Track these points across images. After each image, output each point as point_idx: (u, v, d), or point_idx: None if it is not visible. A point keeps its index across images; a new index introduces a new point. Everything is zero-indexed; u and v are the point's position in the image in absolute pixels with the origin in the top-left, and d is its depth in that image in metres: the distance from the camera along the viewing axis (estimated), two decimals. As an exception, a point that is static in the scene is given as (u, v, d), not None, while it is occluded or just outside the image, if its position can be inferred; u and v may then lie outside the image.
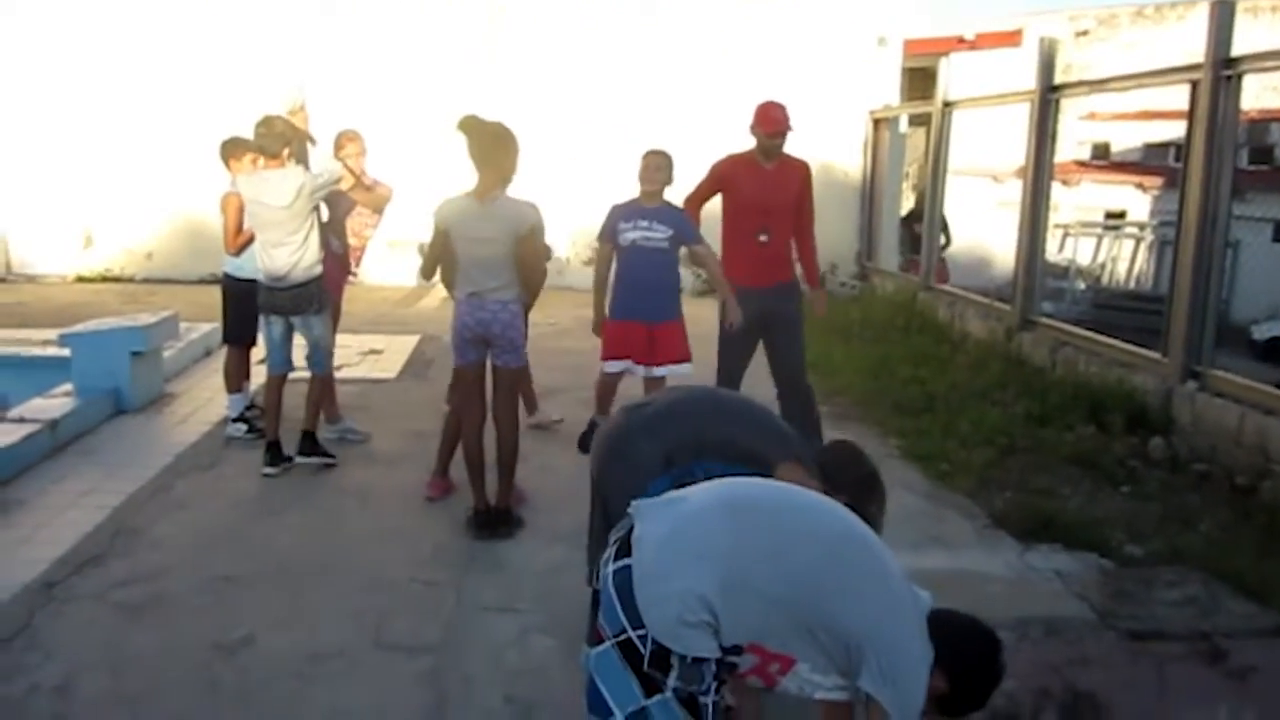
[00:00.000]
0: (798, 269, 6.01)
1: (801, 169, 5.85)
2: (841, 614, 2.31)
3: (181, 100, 12.10)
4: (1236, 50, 6.23)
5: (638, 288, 5.69)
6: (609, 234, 5.73)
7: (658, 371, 5.73)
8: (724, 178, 5.77)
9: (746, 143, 5.75)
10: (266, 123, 5.63)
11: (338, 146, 6.16)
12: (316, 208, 5.69)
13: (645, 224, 5.62)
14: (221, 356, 6.62)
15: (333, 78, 11.94)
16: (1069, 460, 6.03)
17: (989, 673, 2.49)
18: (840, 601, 2.32)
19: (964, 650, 2.44)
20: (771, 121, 5.61)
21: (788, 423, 4.95)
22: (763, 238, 5.66)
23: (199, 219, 11.41)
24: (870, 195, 13.01)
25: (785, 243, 5.81)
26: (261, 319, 5.81)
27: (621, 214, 5.69)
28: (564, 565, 4.39)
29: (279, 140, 5.59)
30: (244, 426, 6.22)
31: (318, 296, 5.72)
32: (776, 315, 5.73)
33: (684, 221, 5.66)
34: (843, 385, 7.68)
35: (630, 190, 5.76)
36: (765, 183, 5.67)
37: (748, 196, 5.68)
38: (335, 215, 6.07)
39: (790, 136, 5.64)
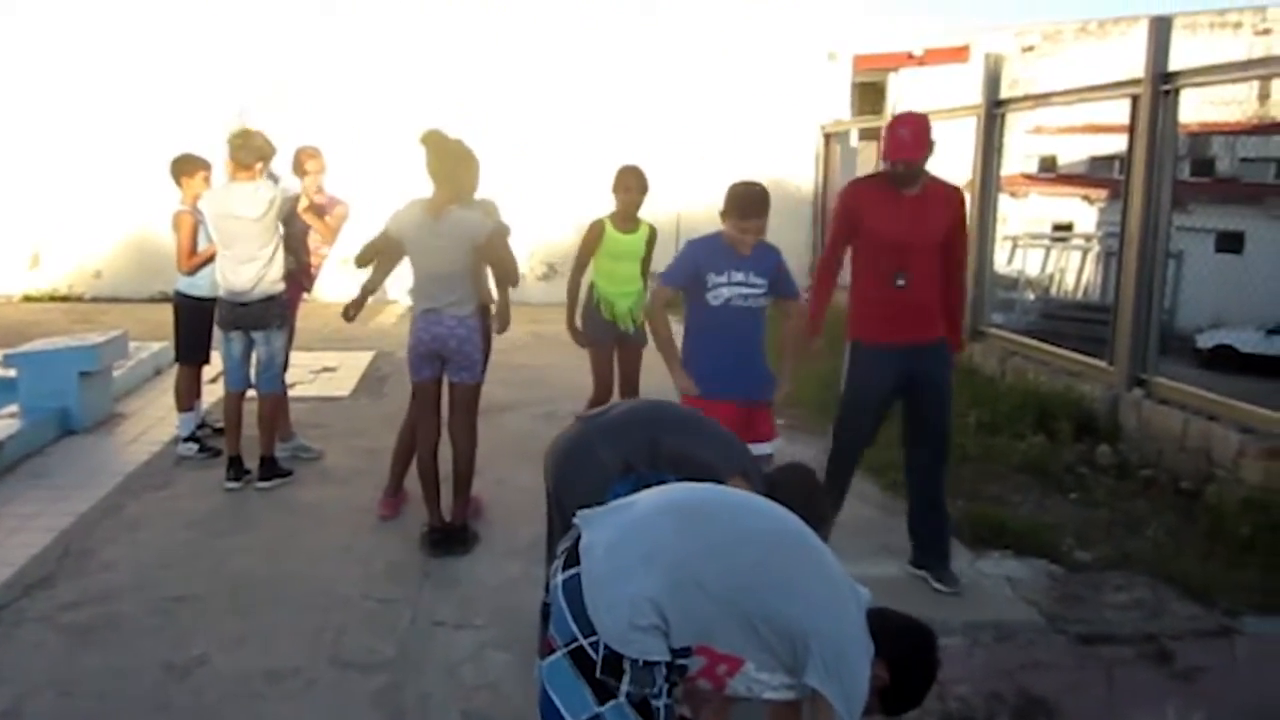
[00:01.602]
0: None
1: (952, 197, 4.63)
2: (785, 610, 2.36)
3: (129, 118, 11.99)
4: (1174, 65, 6.39)
5: (729, 358, 4.44)
6: (683, 279, 4.46)
7: (755, 450, 3.96)
8: (851, 209, 4.57)
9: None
10: (244, 134, 5.59)
11: (298, 164, 6.12)
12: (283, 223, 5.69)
13: (742, 276, 4.39)
14: (172, 375, 6.55)
15: (323, 80, 11.99)
16: (1019, 468, 6.12)
17: (926, 664, 2.58)
18: (784, 597, 2.37)
19: (901, 643, 2.53)
20: (897, 146, 4.39)
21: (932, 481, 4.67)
22: (900, 281, 4.43)
23: (148, 236, 11.30)
24: (822, 209, 13.12)
25: (931, 289, 4.51)
26: (221, 335, 5.76)
27: (708, 260, 4.41)
28: (520, 580, 4.39)
29: (253, 153, 5.55)
30: (195, 446, 6.16)
31: (281, 311, 5.72)
32: (919, 381, 4.54)
33: (781, 270, 4.54)
34: (795, 397, 7.69)
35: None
36: (902, 214, 4.43)
37: (880, 232, 4.46)
38: (291, 232, 6.03)
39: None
